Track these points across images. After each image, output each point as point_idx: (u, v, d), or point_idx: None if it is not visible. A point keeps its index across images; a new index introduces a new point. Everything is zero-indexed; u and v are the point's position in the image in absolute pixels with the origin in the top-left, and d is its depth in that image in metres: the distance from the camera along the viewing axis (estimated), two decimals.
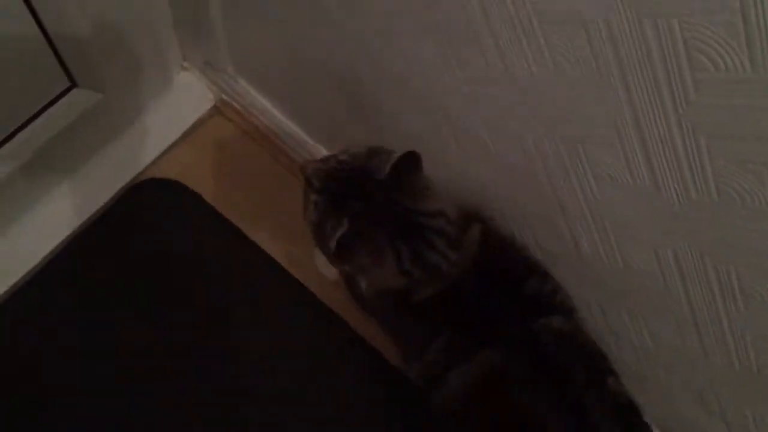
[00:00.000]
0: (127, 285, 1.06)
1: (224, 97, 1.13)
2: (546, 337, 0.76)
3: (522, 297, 0.80)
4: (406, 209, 0.74)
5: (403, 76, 0.75)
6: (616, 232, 0.69)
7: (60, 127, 0.97)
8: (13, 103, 0.93)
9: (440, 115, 0.76)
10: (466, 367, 0.76)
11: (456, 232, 0.77)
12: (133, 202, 1.10)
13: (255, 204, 1.11)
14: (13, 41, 0.83)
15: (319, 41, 0.84)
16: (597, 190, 0.65)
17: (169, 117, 1.14)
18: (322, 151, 1.05)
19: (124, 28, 0.94)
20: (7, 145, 0.95)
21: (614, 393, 0.76)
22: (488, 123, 0.70)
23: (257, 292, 1.09)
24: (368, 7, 0.70)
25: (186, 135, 1.15)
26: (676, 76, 0.47)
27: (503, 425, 0.77)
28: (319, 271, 1.06)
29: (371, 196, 0.74)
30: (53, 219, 1.05)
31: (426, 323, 0.81)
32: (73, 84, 0.99)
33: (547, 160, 0.67)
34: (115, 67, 0.99)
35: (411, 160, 0.73)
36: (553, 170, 0.68)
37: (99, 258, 1.06)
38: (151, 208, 1.11)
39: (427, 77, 0.72)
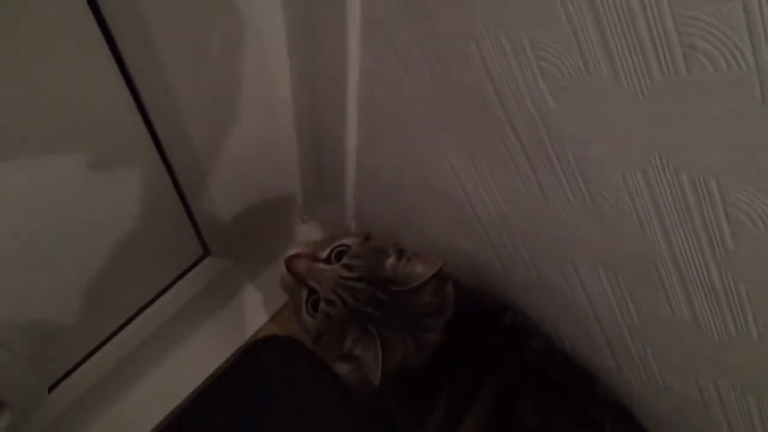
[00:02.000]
0: None
1: None
2: (535, 358, 0.77)
3: (502, 329, 0.80)
4: (413, 307, 0.74)
5: (560, 293, 0.77)
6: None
7: (191, 295, 1.04)
8: (153, 273, 0.99)
9: (598, 332, 0.77)
10: (476, 409, 0.74)
11: (440, 300, 0.77)
12: (252, 361, 1.08)
13: None
14: (160, 217, 0.88)
15: (459, 242, 0.87)
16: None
17: None
18: None
19: (260, 203, 1.01)
20: (142, 315, 1.01)
21: (604, 398, 0.77)
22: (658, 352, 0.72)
23: None
24: (529, 226, 0.73)
25: None
26: None
27: None
28: None
29: (386, 303, 0.73)
30: (171, 380, 1.08)
31: (423, 388, 0.78)
32: (207, 253, 1.05)
33: None
34: (246, 237, 1.04)
35: (436, 274, 0.73)
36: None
37: (216, 419, 1.04)
38: (269, 366, 1.07)
39: (593, 304, 0.73)
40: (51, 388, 0.93)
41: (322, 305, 0.75)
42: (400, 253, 0.78)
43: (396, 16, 0.64)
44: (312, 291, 0.76)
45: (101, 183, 0.73)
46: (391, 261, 0.76)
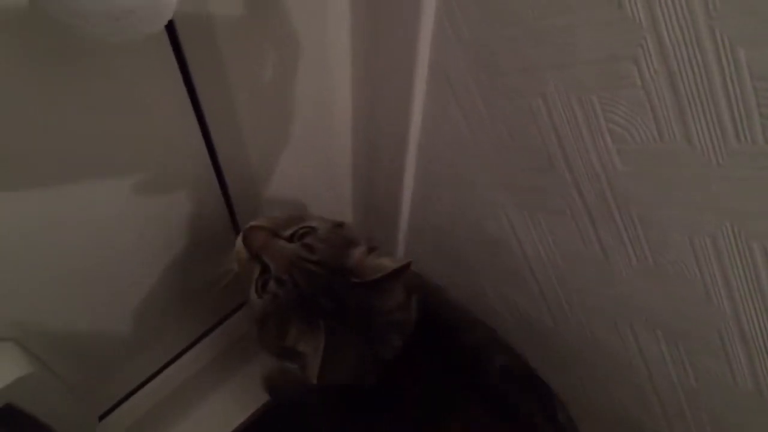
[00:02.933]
0: None
1: None
2: (496, 376, 0.70)
3: (463, 348, 0.71)
4: (373, 310, 0.65)
5: (613, 353, 0.76)
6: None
7: (236, 336, 1.07)
8: (205, 306, 0.99)
9: (652, 395, 0.76)
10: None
11: (406, 316, 0.69)
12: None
13: None
14: (215, 250, 0.86)
15: (510, 294, 0.87)
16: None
17: None
18: None
19: None
20: (193, 350, 1.03)
21: (567, 427, 0.70)
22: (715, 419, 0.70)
23: None
24: (586, 284, 0.72)
25: None
26: None
27: None
28: None
29: (344, 297, 0.64)
30: (216, 416, 1.07)
31: (378, 407, 0.70)
32: None
33: None
34: None
35: (403, 270, 0.64)
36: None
37: None
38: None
39: (649, 366, 0.73)
40: (101, 418, 0.94)
41: (271, 284, 0.65)
42: (372, 248, 0.69)
43: (463, 70, 0.65)
44: (265, 268, 0.67)
45: (160, 207, 0.74)
46: (358, 251, 0.68)
